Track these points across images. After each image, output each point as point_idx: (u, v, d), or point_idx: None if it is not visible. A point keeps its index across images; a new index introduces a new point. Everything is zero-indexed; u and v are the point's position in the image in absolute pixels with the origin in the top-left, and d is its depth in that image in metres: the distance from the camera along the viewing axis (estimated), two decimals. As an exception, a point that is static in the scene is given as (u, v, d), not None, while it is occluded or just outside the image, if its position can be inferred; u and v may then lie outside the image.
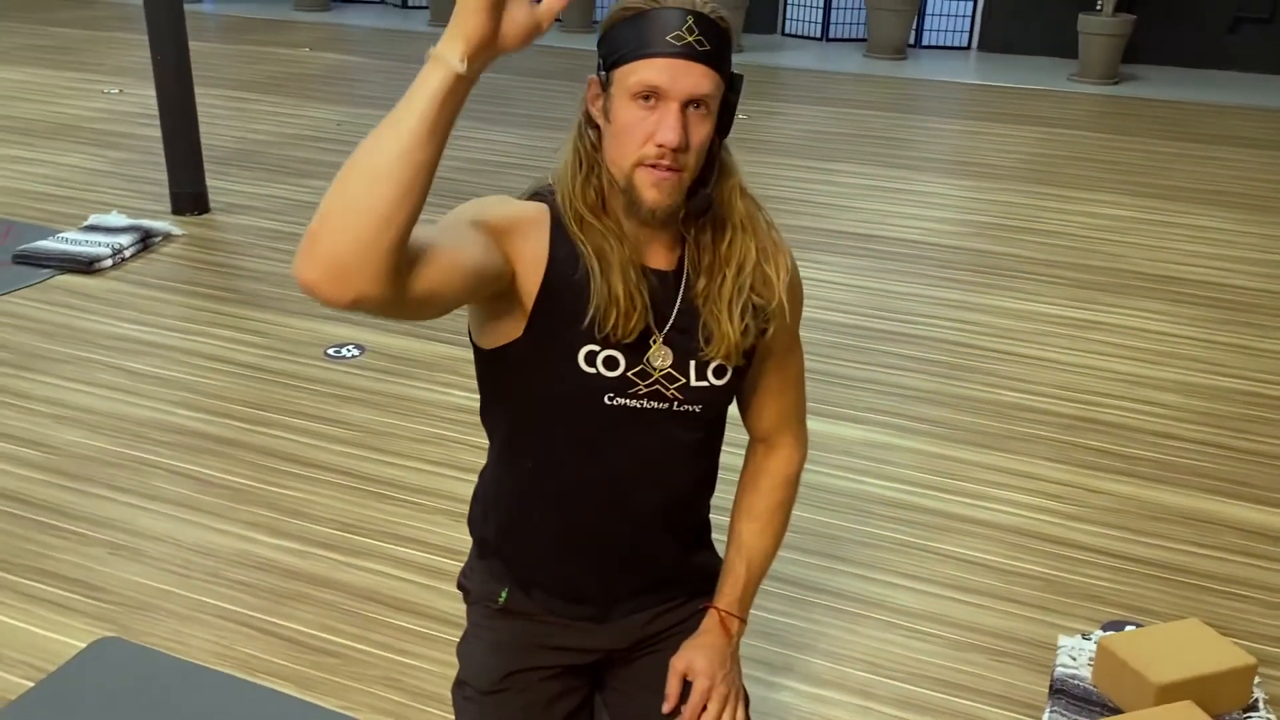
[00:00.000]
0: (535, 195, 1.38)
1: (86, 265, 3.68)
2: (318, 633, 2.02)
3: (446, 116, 1.05)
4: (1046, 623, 2.11)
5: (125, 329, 3.28)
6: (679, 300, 1.35)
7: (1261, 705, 1.86)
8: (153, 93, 4.25)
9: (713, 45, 1.23)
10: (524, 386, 1.37)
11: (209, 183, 4.41)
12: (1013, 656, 2.02)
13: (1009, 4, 8.74)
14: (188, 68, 4.20)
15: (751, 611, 2.10)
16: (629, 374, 1.35)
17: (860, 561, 2.29)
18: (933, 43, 9.00)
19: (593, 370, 1.33)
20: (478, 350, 1.40)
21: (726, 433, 1.47)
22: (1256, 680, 1.93)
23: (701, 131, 1.25)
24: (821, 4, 9.11)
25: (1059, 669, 1.94)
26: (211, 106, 5.96)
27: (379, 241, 1.02)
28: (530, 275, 1.31)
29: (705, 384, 1.38)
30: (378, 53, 8.16)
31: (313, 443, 2.68)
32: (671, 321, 1.35)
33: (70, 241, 3.83)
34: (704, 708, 1.48)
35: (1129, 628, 2.06)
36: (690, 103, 1.23)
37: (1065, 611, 2.15)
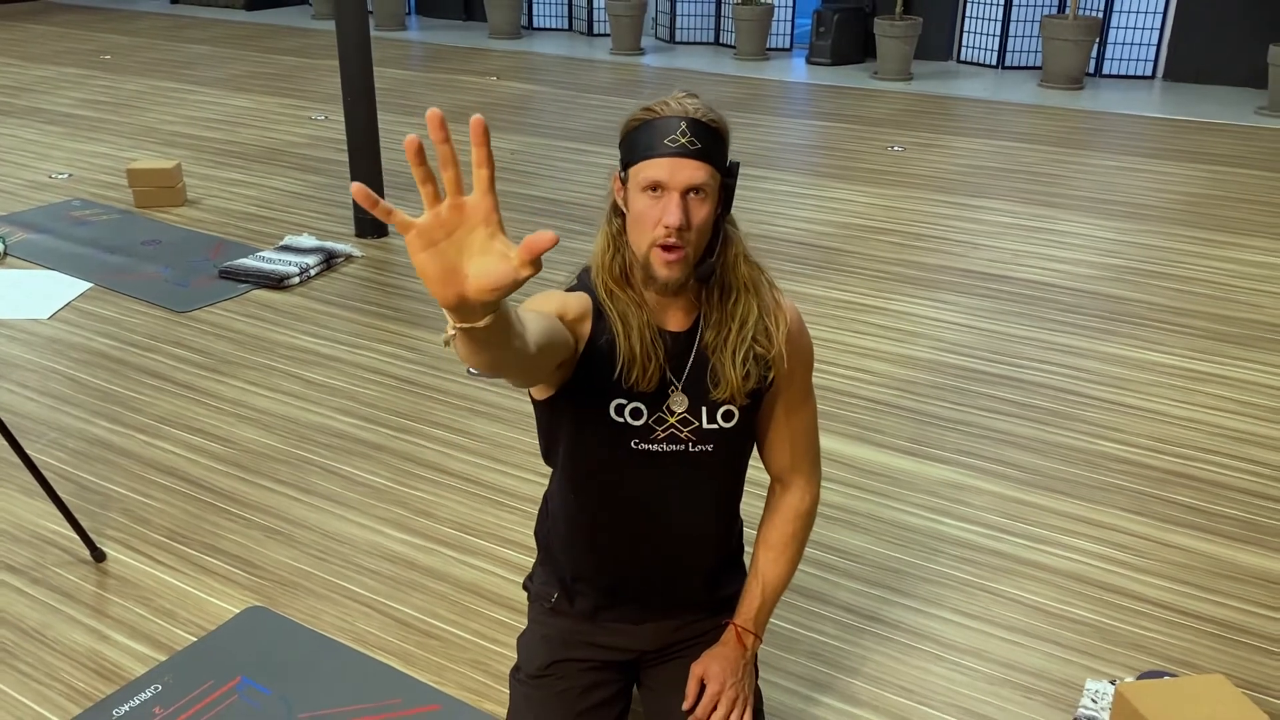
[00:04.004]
0: (580, 276, 1.67)
1: (277, 282, 4.21)
2: (425, 617, 2.36)
3: (497, 339, 1.12)
4: (1084, 666, 2.23)
5: (304, 341, 3.76)
6: (693, 353, 1.62)
7: (1278, 764, 1.94)
8: (348, 123, 4.79)
9: (704, 144, 1.49)
10: (567, 431, 1.66)
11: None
12: (1043, 695, 2.15)
13: (1198, 32, 8.42)
14: (374, 103, 4.71)
15: (802, 631, 2.33)
16: (649, 421, 1.62)
17: (919, 596, 2.46)
18: (1115, 71, 8.77)
19: (621, 420, 1.61)
20: (534, 401, 1.70)
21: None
22: (1284, 740, 2.01)
23: (701, 213, 1.52)
24: (998, 31, 9.03)
25: (1080, 710, 2.07)
26: (399, 133, 6.55)
27: (511, 371, 1.29)
28: (584, 310, 1.60)
29: (715, 426, 1.64)
30: (561, 82, 8.66)
31: (446, 451, 3.05)
32: (687, 372, 1.62)
33: (266, 260, 4.38)
34: (714, 708, 1.73)
35: (1166, 678, 2.16)
36: (689, 190, 1.49)
37: (1106, 658, 2.26)
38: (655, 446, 1.63)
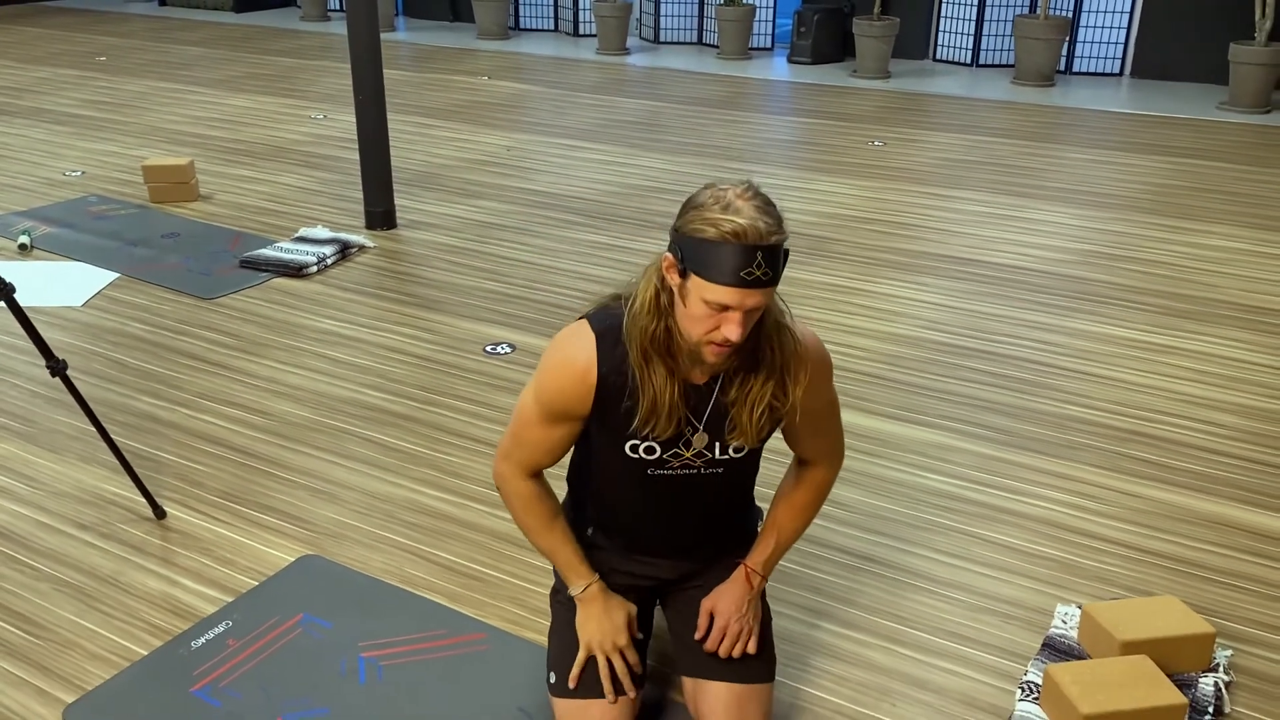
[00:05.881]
0: (599, 316, 1.81)
1: (297, 271, 4.45)
2: (465, 562, 2.62)
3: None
4: (1054, 596, 2.52)
5: (327, 324, 4.01)
6: (712, 402, 1.81)
7: (1221, 669, 2.22)
8: (350, 118, 5.06)
9: (774, 270, 1.62)
10: (583, 453, 1.93)
11: (397, 201, 5.17)
12: (1018, 620, 2.44)
13: (1162, 30, 8.78)
14: (383, 103, 4.95)
15: (804, 569, 2.61)
16: (664, 455, 1.85)
17: (906, 539, 2.74)
18: (1084, 69, 9.11)
19: (636, 456, 1.85)
20: None
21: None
22: (1229, 653, 2.30)
23: (754, 319, 1.66)
24: (972, 30, 9.35)
25: (1051, 629, 2.35)
26: (401, 132, 6.78)
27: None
28: (586, 400, 1.80)
29: (727, 457, 1.88)
30: (548, 81, 8.92)
31: (470, 420, 3.30)
32: (707, 416, 1.82)
33: (284, 250, 4.62)
34: (722, 638, 2.01)
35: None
36: (752, 309, 1.64)
37: (1073, 589, 2.54)
38: (670, 472, 1.87)
